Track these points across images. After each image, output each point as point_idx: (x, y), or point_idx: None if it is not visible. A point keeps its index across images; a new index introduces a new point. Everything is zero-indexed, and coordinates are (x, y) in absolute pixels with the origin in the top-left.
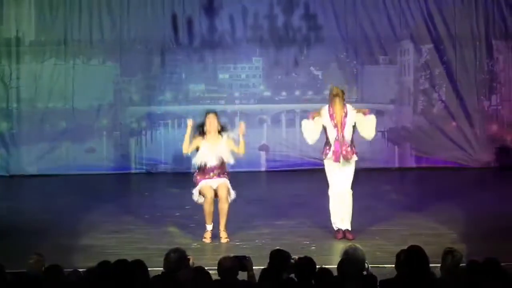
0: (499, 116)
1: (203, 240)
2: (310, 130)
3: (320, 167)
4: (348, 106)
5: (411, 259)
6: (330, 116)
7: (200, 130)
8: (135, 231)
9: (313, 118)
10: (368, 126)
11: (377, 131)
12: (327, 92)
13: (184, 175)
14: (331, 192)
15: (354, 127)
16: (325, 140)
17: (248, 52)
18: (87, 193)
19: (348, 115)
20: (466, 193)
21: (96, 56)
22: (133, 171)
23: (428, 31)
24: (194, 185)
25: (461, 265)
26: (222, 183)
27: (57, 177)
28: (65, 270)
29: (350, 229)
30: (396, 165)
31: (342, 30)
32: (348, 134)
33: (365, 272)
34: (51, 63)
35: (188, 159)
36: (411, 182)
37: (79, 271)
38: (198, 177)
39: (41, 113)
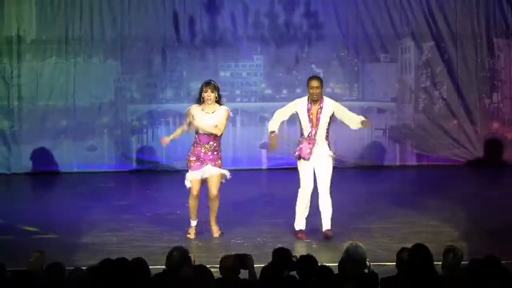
0: (500, 114)
1: (188, 236)
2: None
3: None
4: (325, 99)
5: (415, 257)
6: (307, 110)
7: (198, 102)
8: (136, 229)
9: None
10: (350, 117)
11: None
12: (328, 90)
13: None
14: (301, 189)
15: (331, 120)
16: (299, 134)
17: (249, 50)
18: (88, 191)
19: (323, 110)
20: (467, 191)
21: (97, 54)
22: (134, 169)
23: (429, 29)
24: (187, 166)
25: (462, 263)
26: (213, 175)
27: (58, 175)
28: (66, 268)
29: (330, 228)
30: (397, 163)
31: (343, 28)
32: (322, 131)
33: (366, 270)
34: (52, 61)
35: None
36: (412, 180)
37: (80, 269)
38: (191, 161)
39: (42, 111)
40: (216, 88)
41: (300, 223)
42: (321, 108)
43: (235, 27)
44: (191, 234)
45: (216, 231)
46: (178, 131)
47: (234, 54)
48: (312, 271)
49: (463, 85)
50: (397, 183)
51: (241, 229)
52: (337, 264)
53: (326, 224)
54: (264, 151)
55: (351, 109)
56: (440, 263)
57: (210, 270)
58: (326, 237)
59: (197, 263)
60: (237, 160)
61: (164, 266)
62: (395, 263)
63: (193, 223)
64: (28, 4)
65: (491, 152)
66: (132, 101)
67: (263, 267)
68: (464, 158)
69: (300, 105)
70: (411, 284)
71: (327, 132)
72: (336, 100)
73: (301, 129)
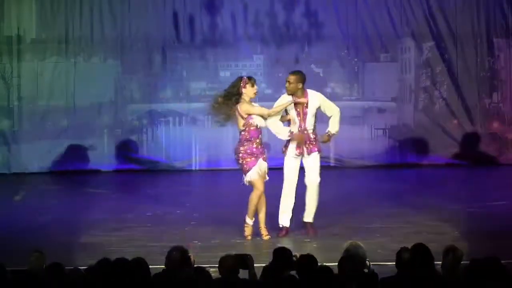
0: (500, 114)
1: (248, 237)
2: (276, 125)
3: (324, 164)
4: (310, 92)
5: (415, 256)
6: (294, 105)
7: (236, 97)
8: (136, 228)
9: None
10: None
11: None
12: (328, 90)
13: (185, 172)
14: (285, 181)
15: (316, 113)
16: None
17: (249, 49)
18: (88, 191)
19: (309, 104)
20: (467, 190)
21: (97, 54)
22: (134, 168)
23: (429, 28)
24: (241, 166)
25: (462, 262)
26: (264, 171)
27: (58, 174)
28: (66, 268)
29: (312, 222)
30: (397, 162)
31: (343, 28)
32: (310, 124)
33: (366, 270)
34: (52, 61)
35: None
36: (412, 179)
37: (80, 269)
38: (246, 158)
39: (42, 111)
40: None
41: (283, 220)
42: (306, 102)
43: (235, 26)
44: (250, 235)
45: (265, 234)
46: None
47: (234, 53)
48: (312, 270)
49: (463, 85)
50: (397, 182)
51: (241, 228)
52: (337, 264)
53: (309, 217)
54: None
55: (351, 108)
56: (440, 263)
57: (208, 271)
58: (308, 233)
59: (197, 263)
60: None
61: (164, 266)
62: (395, 263)
63: (251, 222)
64: (28, 3)
65: (491, 152)
66: (132, 101)
67: (264, 267)
68: (464, 158)
69: (287, 98)
70: (411, 284)
71: (314, 127)
72: (336, 100)
73: (290, 125)
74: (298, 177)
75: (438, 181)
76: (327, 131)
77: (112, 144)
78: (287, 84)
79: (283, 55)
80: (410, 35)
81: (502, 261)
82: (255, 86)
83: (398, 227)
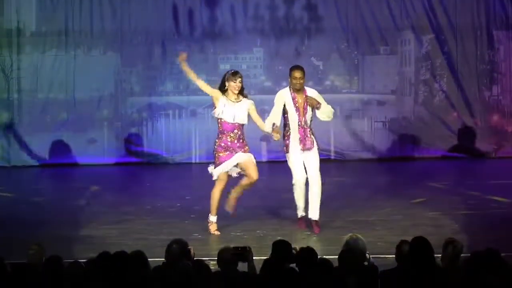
0: (500, 106)
1: (214, 233)
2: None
3: (320, 157)
4: (308, 90)
5: (415, 249)
6: (293, 99)
7: (221, 88)
8: (136, 221)
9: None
10: (325, 110)
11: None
12: (328, 82)
13: (185, 165)
14: (295, 181)
15: (313, 110)
16: (284, 127)
17: (249, 42)
18: (87, 184)
19: (307, 100)
20: (467, 183)
21: (97, 47)
22: (134, 161)
23: (429, 21)
24: (214, 158)
25: (462, 255)
26: (248, 160)
27: (58, 167)
28: (65, 261)
29: (317, 220)
30: (397, 155)
31: (343, 21)
32: (309, 119)
33: (366, 263)
34: (52, 54)
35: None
36: (411, 172)
37: (80, 262)
38: (219, 151)
39: (42, 104)
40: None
41: (300, 210)
42: (306, 97)
43: (234, 19)
44: (215, 231)
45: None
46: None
47: (234, 46)
48: (312, 263)
49: (463, 78)
50: (396, 175)
51: (241, 221)
52: (337, 256)
53: (315, 214)
54: (264, 144)
55: (351, 101)
56: (440, 255)
57: (207, 265)
58: (313, 231)
59: (196, 256)
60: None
61: (163, 259)
62: (395, 256)
63: (214, 218)
64: None
65: (490, 144)
66: (132, 94)
67: (265, 259)
68: (463, 150)
69: (285, 96)
70: (411, 276)
71: (311, 122)
72: (336, 93)
73: (287, 121)
74: (309, 166)
75: (437, 173)
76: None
77: (112, 137)
78: (296, 81)
79: (283, 48)
80: (410, 28)
81: (502, 254)
82: (234, 80)
83: (398, 220)
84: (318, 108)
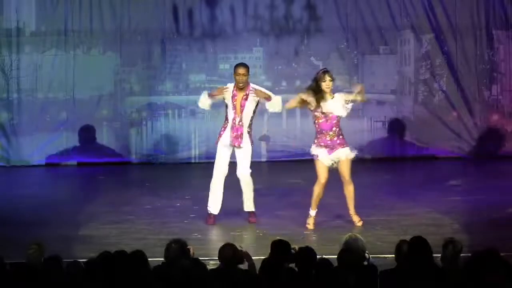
0: (499, 106)
1: (307, 226)
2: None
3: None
4: (252, 85)
5: (414, 249)
6: (232, 97)
7: (314, 88)
8: (135, 221)
9: (213, 96)
10: (273, 102)
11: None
12: None
13: (184, 165)
14: (216, 174)
15: (256, 108)
16: (224, 119)
17: (248, 42)
18: (87, 184)
19: (249, 98)
20: (467, 183)
21: (97, 46)
22: (133, 161)
23: (429, 21)
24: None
25: (462, 255)
26: (345, 160)
27: (58, 167)
28: (64, 260)
29: (254, 210)
30: (397, 155)
31: (343, 20)
32: (246, 118)
33: (365, 262)
34: (51, 53)
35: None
36: (411, 172)
37: (79, 262)
38: (315, 147)
39: (41, 104)
40: None
41: (212, 207)
42: (246, 95)
43: (234, 19)
44: (311, 225)
45: (358, 220)
46: None
47: (234, 46)
48: (311, 263)
49: (462, 77)
50: (396, 175)
51: (241, 221)
52: (336, 256)
53: (249, 206)
54: (263, 144)
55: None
56: (440, 255)
57: (204, 263)
58: (250, 221)
59: (196, 255)
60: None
61: (163, 259)
62: (394, 256)
63: (313, 213)
64: None
65: (491, 144)
66: (131, 93)
67: (264, 259)
68: (463, 150)
69: (229, 91)
70: (410, 276)
71: (251, 121)
72: (336, 92)
73: (226, 115)
74: (239, 161)
75: (437, 173)
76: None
77: (112, 136)
78: (240, 77)
79: (283, 47)
80: (410, 28)
81: (502, 254)
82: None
83: (397, 220)
84: (268, 100)
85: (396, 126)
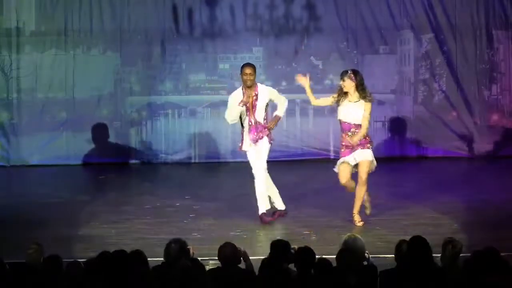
0: (499, 106)
1: (358, 224)
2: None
3: (320, 157)
4: (260, 87)
5: (413, 249)
6: (244, 96)
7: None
8: (135, 221)
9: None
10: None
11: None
12: (327, 82)
13: (184, 165)
14: (258, 174)
15: (267, 106)
16: (240, 125)
17: (248, 42)
18: (87, 183)
19: (258, 97)
20: (466, 183)
21: (97, 46)
22: (133, 161)
23: (429, 20)
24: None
25: (462, 255)
26: (363, 161)
27: (57, 167)
28: (64, 260)
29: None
30: (396, 154)
31: (342, 20)
32: (259, 116)
33: (365, 262)
34: (51, 53)
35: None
36: (411, 171)
37: (79, 262)
38: (340, 148)
39: (41, 103)
40: None
41: (264, 205)
42: (256, 95)
43: (234, 19)
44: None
45: (358, 221)
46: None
47: (233, 46)
48: (309, 263)
49: (462, 77)
50: (396, 175)
51: (240, 221)
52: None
53: (281, 204)
54: None
55: None
56: (440, 255)
57: (202, 264)
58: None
59: (196, 255)
60: (236, 153)
61: (163, 259)
62: (394, 256)
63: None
64: None
65: (490, 144)
66: (131, 93)
67: (264, 258)
68: (463, 150)
69: (237, 98)
70: (410, 276)
71: (265, 118)
72: (336, 92)
73: (241, 121)
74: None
75: (437, 173)
76: (274, 114)
77: (112, 136)
78: (246, 77)
79: (283, 47)
80: (410, 27)
81: (501, 253)
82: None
83: (397, 220)
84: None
85: (396, 126)
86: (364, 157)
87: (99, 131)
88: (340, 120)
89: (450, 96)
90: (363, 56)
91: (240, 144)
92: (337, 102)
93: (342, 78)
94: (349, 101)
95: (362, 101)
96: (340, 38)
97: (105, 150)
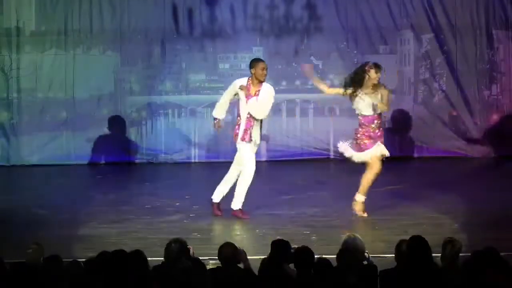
0: (499, 106)
1: (359, 213)
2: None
3: (320, 156)
4: (265, 86)
5: (413, 249)
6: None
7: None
8: (135, 221)
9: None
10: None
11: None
12: (327, 82)
13: (184, 165)
14: (252, 171)
15: None
16: (237, 115)
17: (248, 41)
18: (87, 183)
19: (260, 93)
20: (466, 183)
21: (97, 46)
22: (133, 161)
23: (429, 20)
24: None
25: (461, 254)
26: (376, 155)
27: (58, 167)
28: (64, 260)
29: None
30: (396, 154)
31: (343, 20)
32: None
33: (365, 262)
34: (51, 53)
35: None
36: (411, 171)
37: (79, 261)
38: (364, 138)
39: (41, 103)
40: None
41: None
42: (258, 91)
43: (234, 19)
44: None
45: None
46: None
47: (233, 46)
48: (308, 263)
49: (462, 77)
50: (396, 174)
51: (240, 221)
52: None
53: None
54: (263, 143)
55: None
56: (440, 254)
57: (202, 262)
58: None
59: (196, 255)
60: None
61: (163, 258)
62: (394, 255)
63: (362, 198)
64: None
65: (490, 144)
66: (131, 93)
67: (264, 258)
68: (463, 150)
69: (240, 84)
70: (410, 276)
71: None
72: None
73: (239, 111)
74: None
75: (437, 173)
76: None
77: (111, 136)
78: (265, 72)
79: (283, 47)
80: (409, 27)
81: (501, 253)
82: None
83: (397, 219)
84: None
85: (396, 126)
86: (386, 152)
87: (99, 130)
88: (362, 115)
89: (450, 96)
90: (363, 56)
91: (235, 136)
92: (350, 96)
93: (379, 71)
94: (366, 93)
95: (378, 91)
96: (340, 38)
97: (105, 150)
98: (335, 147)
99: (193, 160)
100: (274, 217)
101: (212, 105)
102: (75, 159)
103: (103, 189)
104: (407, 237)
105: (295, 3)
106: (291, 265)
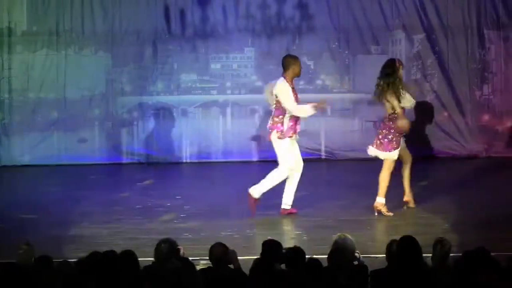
0: (490, 106)
1: (387, 214)
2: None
3: (312, 157)
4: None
5: (403, 249)
6: (292, 90)
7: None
8: (126, 221)
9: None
10: None
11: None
12: (319, 82)
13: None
14: (293, 169)
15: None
16: (282, 114)
17: (240, 42)
18: (78, 183)
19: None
20: (458, 183)
21: (88, 47)
22: (124, 161)
23: (420, 20)
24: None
25: (452, 255)
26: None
27: (49, 167)
28: (55, 260)
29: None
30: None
31: (334, 20)
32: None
33: (356, 262)
34: (43, 53)
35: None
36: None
37: (69, 262)
38: (398, 135)
39: (33, 104)
40: None
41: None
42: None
43: (226, 19)
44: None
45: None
46: None
47: (225, 46)
48: (299, 263)
49: (454, 77)
50: None
51: (232, 221)
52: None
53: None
54: (254, 144)
55: (342, 101)
56: (430, 255)
57: (193, 263)
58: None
59: (186, 255)
60: (228, 152)
61: (153, 259)
62: (385, 255)
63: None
64: None
65: (481, 144)
66: (122, 94)
67: (255, 259)
68: (454, 150)
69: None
70: (401, 276)
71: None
72: (327, 92)
73: (283, 109)
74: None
75: (428, 173)
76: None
77: (103, 136)
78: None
79: (274, 47)
80: (401, 27)
81: (492, 253)
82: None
83: (388, 220)
84: None
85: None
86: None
87: (91, 131)
88: (405, 108)
89: (441, 96)
90: (355, 56)
91: (293, 132)
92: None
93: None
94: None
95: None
96: (332, 38)
97: (96, 150)
98: (327, 147)
99: (184, 161)
100: (265, 218)
101: (203, 105)
102: (66, 159)
103: (94, 189)
104: (398, 237)
105: (286, 3)
106: (283, 265)
